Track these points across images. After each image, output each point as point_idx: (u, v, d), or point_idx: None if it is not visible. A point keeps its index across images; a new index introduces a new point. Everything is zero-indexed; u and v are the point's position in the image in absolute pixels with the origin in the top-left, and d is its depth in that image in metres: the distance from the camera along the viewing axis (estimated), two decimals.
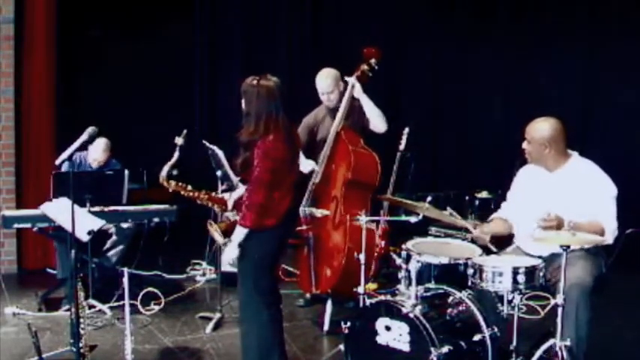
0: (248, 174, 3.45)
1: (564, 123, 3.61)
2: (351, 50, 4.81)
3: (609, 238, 3.45)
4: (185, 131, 4.34)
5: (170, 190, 3.90)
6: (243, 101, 3.47)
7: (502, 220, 3.85)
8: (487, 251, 3.67)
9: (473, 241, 3.86)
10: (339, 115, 4.62)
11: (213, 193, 3.99)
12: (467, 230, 3.92)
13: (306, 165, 4.59)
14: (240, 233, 3.38)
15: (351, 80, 4.65)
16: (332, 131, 4.61)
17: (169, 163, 4.02)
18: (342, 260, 4.32)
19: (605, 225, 3.43)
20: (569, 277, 3.23)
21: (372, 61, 4.67)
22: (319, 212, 4.38)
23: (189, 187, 3.97)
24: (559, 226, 3.33)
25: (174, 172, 6.70)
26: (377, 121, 4.66)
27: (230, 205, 3.73)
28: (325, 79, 4.74)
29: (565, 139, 3.59)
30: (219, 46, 7.46)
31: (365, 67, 4.66)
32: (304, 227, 4.53)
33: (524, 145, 3.65)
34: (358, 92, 4.64)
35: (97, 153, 5.21)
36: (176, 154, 4.21)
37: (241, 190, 3.72)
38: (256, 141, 3.36)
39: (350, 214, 4.35)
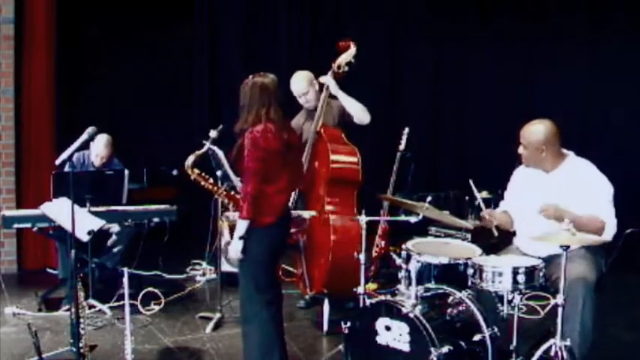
0: (239, 165, 3.49)
1: (560, 124, 3.61)
2: None
3: (608, 236, 3.44)
4: (221, 126, 4.28)
5: (192, 178, 3.92)
6: (240, 98, 3.51)
7: (505, 213, 3.86)
8: (488, 247, 3.67)
9: (473, 240, 3.86)
10: (317, 114, 4.61)
11: (232, 192, 4.00)
12: (467, 230, 3.91)
13: None
14: (240, 226, 3.39)
15: (325, 80, 4.63)
16: (312, 131, 4.61)
17: (197, 153, 4.00)
18: (328, 257, 4.31)
19: (605, 221, 3.43)
20: (572, 274, 3.24)
21: (346, 54, 4.61)
22: (307, 214, 4.38)
23: (211, 180, 3.98)
24: (558, 213, 3.33)
25: (175, 172, 6.74)
26: (359, 115, 4.64)
27: None
28: (299, 82, 4.76)
29: (560, 139, 3.59)
30: (219, 46, 7.46)
31: (340, 61, 4.62)
32: (293, 230, 4.53)
33: (520, 149, 3.64)
34: (334, 89, 4.62)
35: (99, 148, 5.21)
36: (207, 146, 4.17)
37: None
38: (246, 131, 3.40)
39: (332, 212, 4.35)
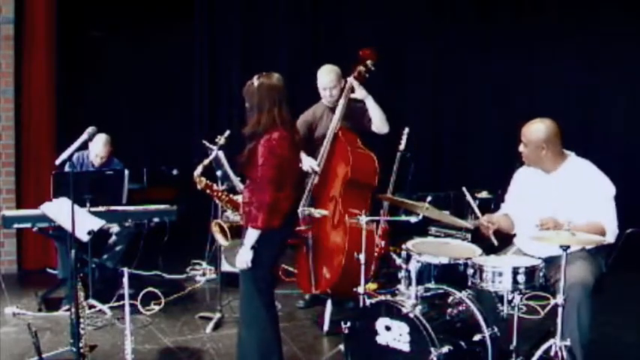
0: (249, 169, 3.44)
1: (560, 123, 3.61)
2: (351, 50, 4.81)
3: (610, 238, 3.44)
4: (228, 132, 4.26)
5: (199, 187, 3.90)
6: (246, 101, 3.47)
7: (505, 216, 3.85)
8: (488, 250, 3.67)
9: (473, 240, 3.86)
10: (337, 114, 4.61)
11: (231, 195, 3.99)
12: (467, 230, 3.89)
13: (306, 162, 4.58)
14: (252, 235, 3.34)
15: (350, 80, 4.63)
16: (330, 131, 4.60)
17: (204, 162, 3.99)
18: (342, 260, 4.32)
19: (606, 225, 3.43)
20: (571, 277, 3.23)
21: (369, 62, 4.64)
22: (318, 212, 4.37)
23: (215, 187, 3.98)
24: (556, 225, 3.33)
25: (175, 172, 6.73)
26: (380, 124, 4.66)
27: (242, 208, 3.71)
28: (328, 74, 4.73)
29: (561, 139, 3.58)
30: (219, 46, 7.46)
31: (361, 68, 4.64)
32: (303, 227, 4.53)
33: (521, 147, 3.63)
34: (362, 94, 4.62)
35: (98, 148, 5.22)
36: (214, 153, 4.17)
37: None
38: (259, 135, 3.35)
39: (349, 213, 4.36)
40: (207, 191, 3.90)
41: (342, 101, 4.63)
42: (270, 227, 3.35)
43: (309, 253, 4.62)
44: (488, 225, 3.69)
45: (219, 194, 3.92)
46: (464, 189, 3.88)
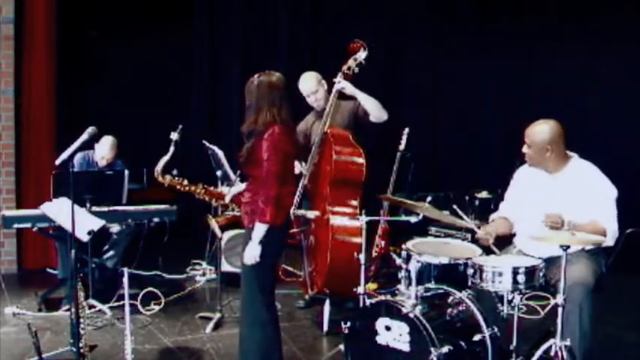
0: (249, 168, 3.44)
1: (563, 124, 3.61)
2: None
3: (610, 240, 3.44)
4: (180, 126, 4.32)
5: (165, 185, 3.88)
6: (246, 99, 3.47)
7: (504, 220, 3.84)
8: (489, 252, 3.67)
9: (473, 241, 3.86)
10: (325, 115, 4.61)
11: (212, 188, 3.98)
12: (467, 230, 3.88)
13: (296, 166, 4.59)
14: (260, 230, 3.34)
15: (337, 84, 4.62)
16: (319, 132, 4.61)
17: (164, 158, 4.00)
18: (327, 257, 4.31)
19: (606, 226, 3.42)
20: (571, 277, 3.24)
21: (358, 54, 4.63)
22: (311, 214, 4.38)
23: (185, 182, 3.96)
24: (562, 223, 3.33)
25: (174, 172, 6.72)
26: (377, 112, 4.63)
27: (228, 198, 3.71)
28: (308, 81, 4.78)
29: (565, 140, 3.58)
30: (219, 46, 7.46)
31: (351, 62, 4.63)
32: (296, 230, 4.53)
33: (525, 149, 3.62)
34: (351, 90, 4.62)
35: (104, 151, 5.23)
36: (171, 150, 4.20)
37: (240, 185, 3.71)
38: (257, 133, 3.35)
39: (336, 212, 4.35)
40: (178, 187, 3.90)
41: (330, 101, 4.64)
42: (275, 224, 3.36)
43: (303, 254, 4.63)
44: (487, 237, 3.69)
45: (192, 188, 3.91)
46: (455, 206, 3.86)
